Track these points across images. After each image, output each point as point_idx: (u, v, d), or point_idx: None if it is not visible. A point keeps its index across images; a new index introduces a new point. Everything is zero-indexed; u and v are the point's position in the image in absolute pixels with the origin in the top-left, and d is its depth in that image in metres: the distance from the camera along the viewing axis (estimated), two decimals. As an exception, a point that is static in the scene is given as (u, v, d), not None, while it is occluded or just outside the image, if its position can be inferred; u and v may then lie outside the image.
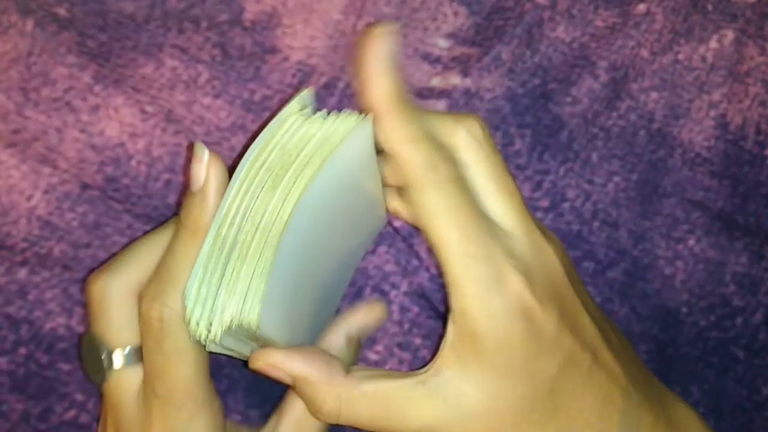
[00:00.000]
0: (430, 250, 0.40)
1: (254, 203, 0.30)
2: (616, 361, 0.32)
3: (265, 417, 0.39)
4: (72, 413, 0.39)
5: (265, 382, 0.39)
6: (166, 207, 0.40)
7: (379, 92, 0.30)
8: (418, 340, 0.40)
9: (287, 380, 0.32)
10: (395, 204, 0.36)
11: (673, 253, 0.41)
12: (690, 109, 0.41)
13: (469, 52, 0.40)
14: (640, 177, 0.41)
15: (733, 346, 0.40)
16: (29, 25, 0.41)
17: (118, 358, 0.33)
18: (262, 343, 0.32)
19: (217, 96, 0.41)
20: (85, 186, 0.40)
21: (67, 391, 0.39)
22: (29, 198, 0.40)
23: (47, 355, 0.39)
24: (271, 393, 0.40)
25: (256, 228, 0.30)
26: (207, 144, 0.40)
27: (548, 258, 0.32)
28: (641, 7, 0.42)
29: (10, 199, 0.40)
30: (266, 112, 0.41)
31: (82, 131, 0.41)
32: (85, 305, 0.39)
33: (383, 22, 0.30)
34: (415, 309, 0.40)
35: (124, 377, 0.33)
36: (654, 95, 0.41)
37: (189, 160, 0.32)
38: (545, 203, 0.41)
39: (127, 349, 0.33)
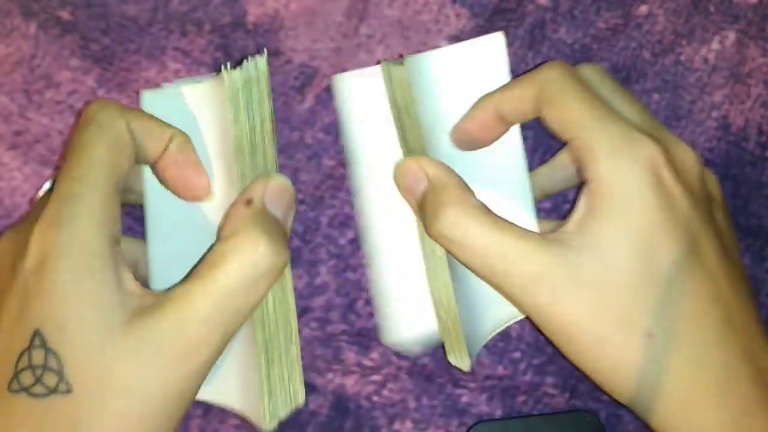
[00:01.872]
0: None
1: None
2: (741, 278, 0.31)
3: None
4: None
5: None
6: (168, 209, 0.41)
7: None
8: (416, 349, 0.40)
9: (420, 182, 0.33)
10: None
11: (676, 255, 0.41)
12: (692, 110, 0.41)
13: (472, 54, 0.40)
14: (642, 178, 0.41)
15: (736, 348, 0.40)
16: (32, 28, 0.41)
17: None
18: None
19: (219, 98, 0.41)
20: (87, 189, 0.40)
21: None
22: (32, 200, 0.40)
23: (49, 358, 0.39)
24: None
25: None
26: (210, 146, 0.40)
27: (686, 153, 0.32)
28: (643, 9, 0.42)
29: (13, 201, 0.40)
30: (269, 115, 0.41)
31: (85, 134, 0.41)
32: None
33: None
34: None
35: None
36: (655, 96, 0.41)
37: None
38: (547, 204, 0.41)
39: None
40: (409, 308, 0.36)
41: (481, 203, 0.32)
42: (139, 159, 0.33)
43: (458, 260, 0.32)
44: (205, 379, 0.31)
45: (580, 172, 0.32)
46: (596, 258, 0.30)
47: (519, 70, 0.41)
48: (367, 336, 0.39)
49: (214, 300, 0.29)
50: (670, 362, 0.29)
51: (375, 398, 0.39)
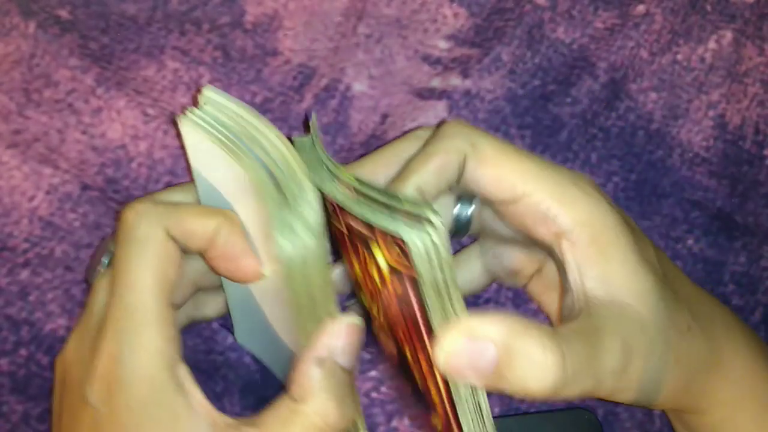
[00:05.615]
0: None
1: None
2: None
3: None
4: (73, 414, 0.39)
5: (259, 384, 0.40)
6: (167, 208, 0.41)
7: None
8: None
9: (486, 352, 0.26)
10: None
11: (672, 253, 0.41)
12: (689, 109, 0.42)
13: (469, 53, 0.40)
14: (639, 177, 0.41)
15: (733, 346, 0.40)
16: (31, 27, 0.41)
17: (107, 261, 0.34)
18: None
19: (218, 97, 0.41)
20: (85, 187, 0.40)
21: (68, 393, 0.39)
22: (31, 198, 0.40)
23: (48, 356, 0.39)
24: (265, 394, 0.40)
25: None
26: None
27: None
28: (640, 8, 0.42)
29: (12, 200, 0.40)
30: (268, 114, 0.41)
31: (84, 133, 0.41)
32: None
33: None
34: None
35: (105, 279, 0.33)
36: (653, 95, 0.41)
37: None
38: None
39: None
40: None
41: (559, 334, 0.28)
42: (186, 252, 0.32)
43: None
44: None
45: (538, 230, 0.31)
46: (620, 304, 0.30)
47: (518, 69, 0.42)
48: (366, 331, 0.40)
49: None
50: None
51: (374, 394, 0.39)
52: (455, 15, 0.42)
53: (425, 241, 0.26)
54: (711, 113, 0.41)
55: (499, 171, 0.31)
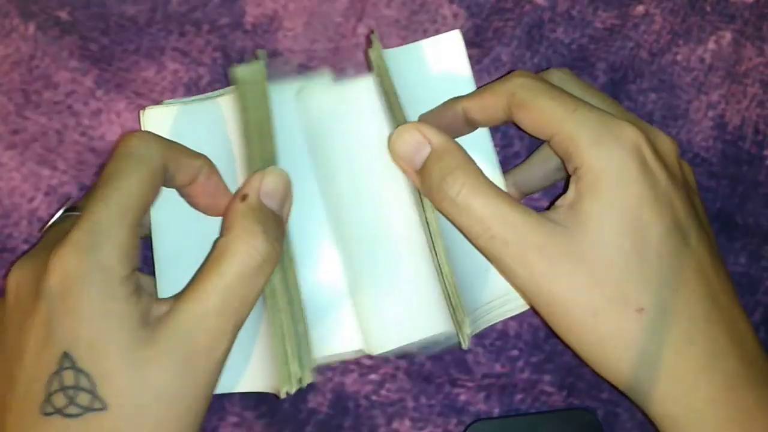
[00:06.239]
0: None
1: None
2: (720, 259, 0.32)
3: (262, 418, 0.39)
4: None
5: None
6: (167, 209, 0.41)
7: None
8: (414, 349, 0.40)
9: (422, 149, 0.33)
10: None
11: (673, 254, 0.41)
12: (688, 109, 0.42)
13: (469, 53, 0.40)
14: (639, 178, 0.41)
15: (733, 346, 0.40)
16: (31, 28, 0.41)
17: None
18: None
19: (218, 98, 0.41)
20: (84, 188, 0.40)
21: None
22: (30, 200, 0.40)
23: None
24: (266, 395, 0.39)
25: None
26: (208, 146, 0.40)
27: (664, 138, 0.33)
28: (640, 9, 0.42)
29: (11, 201, 0.40)
30: (267, 115, 0.41)
31: (83, 134, 0.41)
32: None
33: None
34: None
35: (68, 221, 0.34)
36: (652, 96, 0.42)
37: None
38: (545, 203, 0.41)
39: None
40: (392, 319, 0.36)
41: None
42: (166, 185, 0.34)
43: (458, 226, 0.33)
44: (222, 370, 0.32)
45: (567, 165, 0.33)
46: (589, 236, 0.30)
47: (517, 69, 0.41)
48: (366, 335, 0.40)
49: (224, 291, 0.31)
50: (661, 337, 0.30)
51: (374, 397, 0.39)
52: (455, 15, 0.42)
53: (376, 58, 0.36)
54: (711, 113, 0.41)
55: (531, 115, 0.33)
